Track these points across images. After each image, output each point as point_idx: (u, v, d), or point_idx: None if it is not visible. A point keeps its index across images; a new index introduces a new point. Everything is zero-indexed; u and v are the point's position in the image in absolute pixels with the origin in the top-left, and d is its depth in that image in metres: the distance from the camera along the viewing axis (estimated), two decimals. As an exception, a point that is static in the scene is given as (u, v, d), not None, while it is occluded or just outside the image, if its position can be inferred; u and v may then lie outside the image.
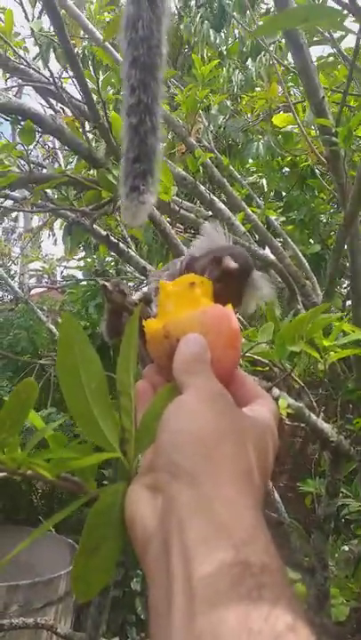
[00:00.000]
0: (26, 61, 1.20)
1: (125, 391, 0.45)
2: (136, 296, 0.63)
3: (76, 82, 0.87)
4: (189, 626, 0.29)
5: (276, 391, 0.96)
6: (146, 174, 0.53)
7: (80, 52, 2.70)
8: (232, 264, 0.53)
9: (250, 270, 0.55)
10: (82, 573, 0.39)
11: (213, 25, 3.22)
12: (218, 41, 3.22)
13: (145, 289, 0.65)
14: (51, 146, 2.71)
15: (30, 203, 0.95)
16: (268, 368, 1.03)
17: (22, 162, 1.13)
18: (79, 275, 3.40)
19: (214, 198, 1.46)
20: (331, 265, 1.30)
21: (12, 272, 3.56)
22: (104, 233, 1.08)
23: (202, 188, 1.45)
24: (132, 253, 1.17)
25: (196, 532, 0.32)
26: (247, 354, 0.94)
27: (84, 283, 3.32)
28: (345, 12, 0.59)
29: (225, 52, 3.13)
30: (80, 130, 1.03)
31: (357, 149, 1.35)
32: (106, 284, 0.62)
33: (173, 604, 0.30)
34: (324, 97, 1.09)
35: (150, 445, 0.41)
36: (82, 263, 3.11)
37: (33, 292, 4.38)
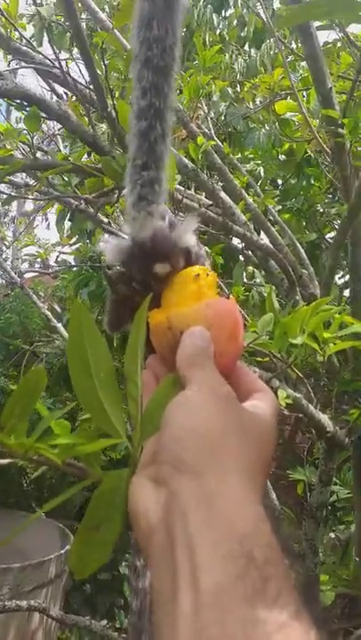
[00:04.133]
0: (30, 43, 1.17)
1: (132, 379, 0.46)
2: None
3: (84, 66, 0.85)
4: (195, 616, 0.30)
5: (275, 382, 0.96)
6: (153, 183, 0.51)
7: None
8: (161, 268, 0.52)
9: (167, 248, 0.53)
10: (80, 550, 0.40)
11: (214, 7, 3.16)
12: (220, 25, 3.16)
13: None
14: (47, 129, 2.66)
15: (35, 190, 0.94)
16: (267, 359, 1.04)
17: (23, 145, 1.11)
18: (73, 261, 3.37)
19: (217, 186, 1.45)
20: (331, 256, 1.30)
21: (3, 256, 3.52)
22: (106, 221, 1.07)
23: (204, 176, 1.44)
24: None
25: (199, 524, 0.33)
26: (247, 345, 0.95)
27: (77, 268, 3.29)
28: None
29: (226, 37, 3.08)
30: (83, 114, 1.01)
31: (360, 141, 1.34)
32: (111, 273, 0.61)
33: (178, 596, 0.31)
34: (331, 87, 1.08)
35: (154, 433, 0.42)
36: (76, 247, 3.08)
37: (25, 276, 4.34)
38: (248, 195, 1.85)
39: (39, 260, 2.81)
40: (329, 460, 1.38)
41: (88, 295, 3.48)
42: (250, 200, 1.67)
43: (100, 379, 0.44)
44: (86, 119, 0.94)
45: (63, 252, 3.00)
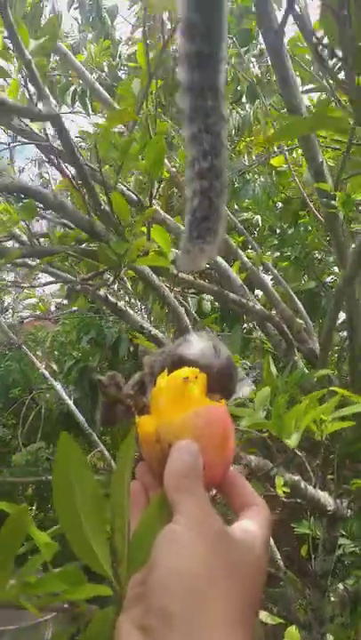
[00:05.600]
0: (32, 130, 1.19)
1: (119, 512, 0.44)
2: (131, 382, 0.64)
3: (75, 173, 0.88)
4: None
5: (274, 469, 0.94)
6: (211, 231, 0.58)
7: (79, 89, 2.72)
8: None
9: (231, 386, 0.56)
10: None
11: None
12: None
13: (137, 376, 0.65)
14: (47, 177, 2.73)
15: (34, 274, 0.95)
16: (266, 434, 1.02)
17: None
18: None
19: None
20: (329, 320, 1.31)
21: (5, 304, 3.54)
22: (102, 294, 1.08)
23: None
24: (130, 312, 1.17)
25: None
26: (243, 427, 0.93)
27: (78, 313, 3.31)
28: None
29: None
30: (78, 192, 1.03)
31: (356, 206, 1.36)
32: (102, 378, 0.63)
33: None
34: (322, 161, 1.10)
35: (142, 565, 0.40)
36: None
37: (26, 320, 4.36)
38: (244, 251, 1.86)
39: (39, 311, 2.82)
40: (332, 530, 1.35)
41: (89, 342, 3.49)
42: (245, 259, 1.69)
43: (86, 512, 0.42)
44: (82, 201, 0.95)
45: (63, 304, 3.02)
